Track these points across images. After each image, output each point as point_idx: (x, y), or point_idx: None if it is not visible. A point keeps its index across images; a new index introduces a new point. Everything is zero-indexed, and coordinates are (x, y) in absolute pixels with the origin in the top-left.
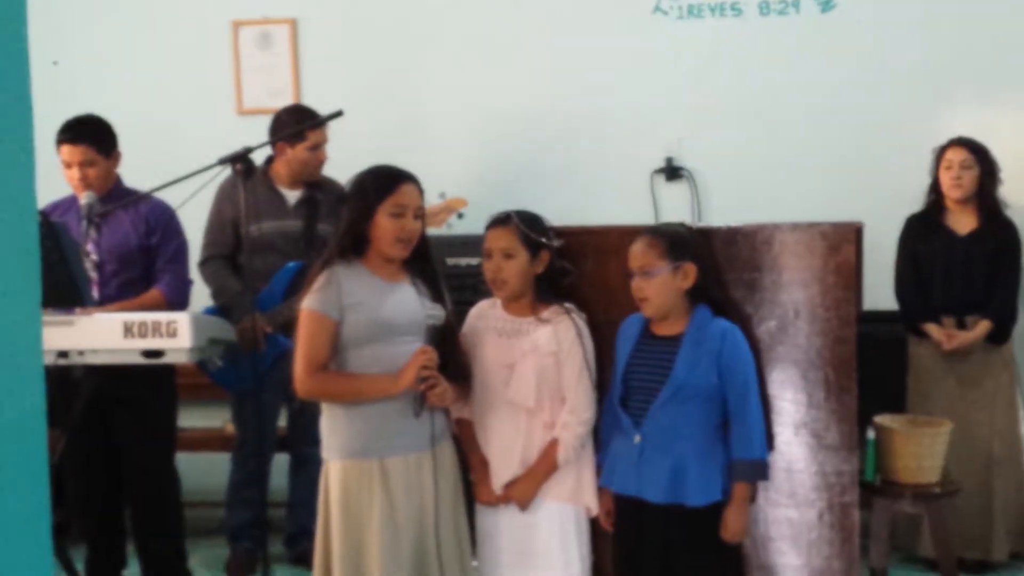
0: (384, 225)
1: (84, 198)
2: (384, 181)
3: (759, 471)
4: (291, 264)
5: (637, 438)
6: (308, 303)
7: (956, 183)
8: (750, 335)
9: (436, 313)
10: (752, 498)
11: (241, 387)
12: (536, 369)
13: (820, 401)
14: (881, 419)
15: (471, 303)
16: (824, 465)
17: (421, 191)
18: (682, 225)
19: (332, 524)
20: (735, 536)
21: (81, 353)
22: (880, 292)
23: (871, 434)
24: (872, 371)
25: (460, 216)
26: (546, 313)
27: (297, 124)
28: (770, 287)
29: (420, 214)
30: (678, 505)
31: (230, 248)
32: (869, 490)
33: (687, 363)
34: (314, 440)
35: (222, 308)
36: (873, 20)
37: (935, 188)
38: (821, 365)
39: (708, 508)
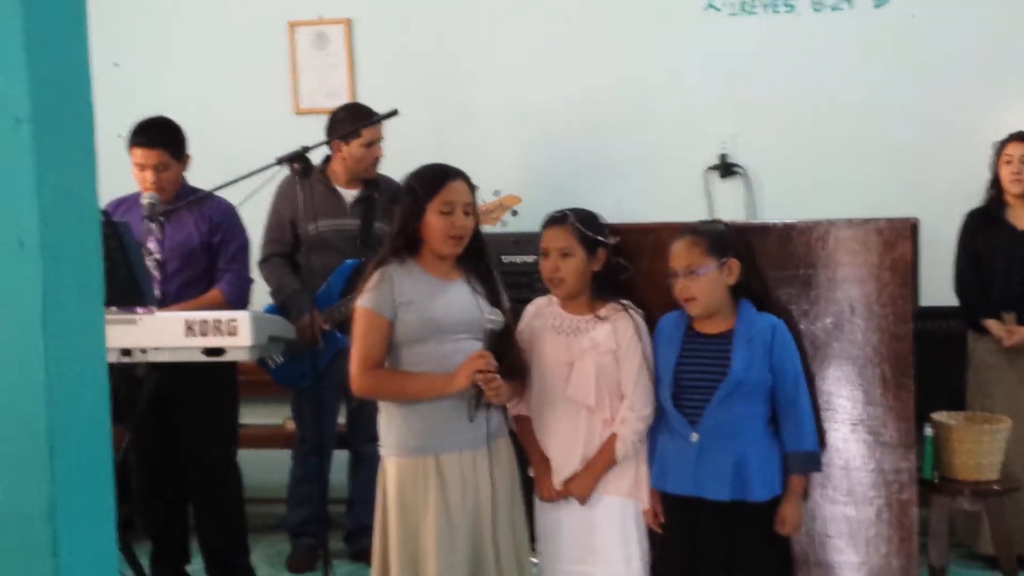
0: (434, 223)
1: (146, 198)
2: (431, 179)
3: (813, 463)
4: (348, 262)
5: (695, 437)
6: (362, 302)
7: (1017, 178)
8: (804, 331)
9: (495, 318)
10: (806, 492)
11: (300, 384)
12: (596, 366)
13: (877, 398)
14: (939, 416)
15: (526, 300)
16: (882, 462)
17: (471, 187)
18: (720, 221)
19: (389, 520)
20: (792, 529)
21: (144, 351)
22: (937, 288)
23: (929, 431)
24: (930, 368)
25: (514, 213)
26: (604, 310)
27: (353, 122)
28: (825, 283)
29: (470, 210)
30: (739, 502)
31: (289, 246)
32: (927, 487)
33: (744, 360)
34: (372, 437)
35: (281, 306)
36: (928, 14)
37: (995, 183)
38: (878, 362)
39: (766, 503)
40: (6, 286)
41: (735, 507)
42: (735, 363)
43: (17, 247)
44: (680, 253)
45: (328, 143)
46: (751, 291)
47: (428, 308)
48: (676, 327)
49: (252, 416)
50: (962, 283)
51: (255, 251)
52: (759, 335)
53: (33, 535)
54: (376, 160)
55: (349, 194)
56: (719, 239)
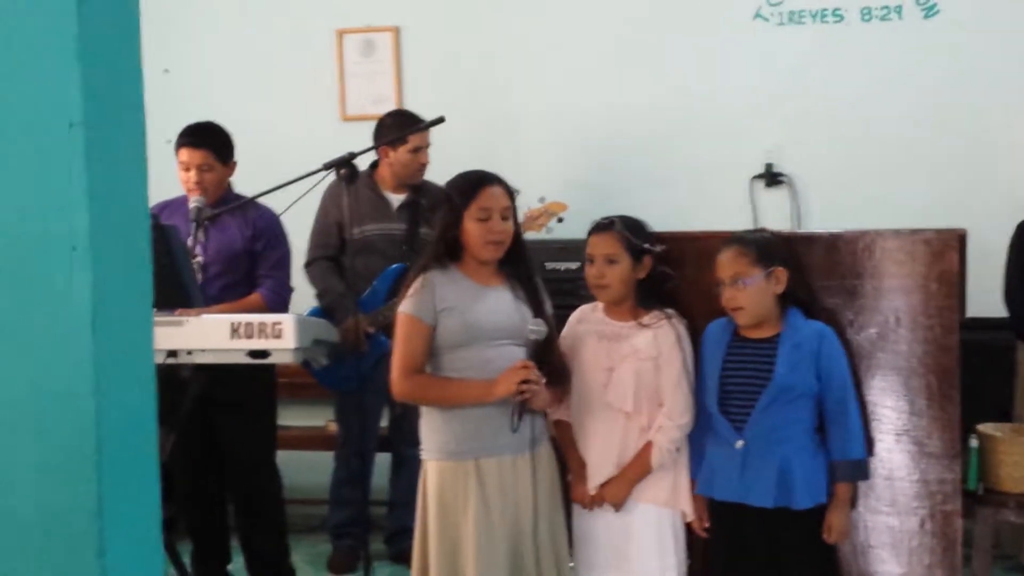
0: (472, 229)
1: (193, 201)
2: (467, 187)
3: (860, 471)
4: (394, 266)
5: (740, 443)
6: (404, 307)
7: None
8: (849, 341)
9: (539, 328)
10: (853, 500)
11: (344, 387)
12: (635, 373)
13: (922, 408)
14: (984, 427)
15: (570, 308)
16: (926, 473)
17: (509, 192)
18: (766, 230)
19: (429, 523)
20: (839, 538)
21: (189, 353)
22: (985, 299)
23: (974, 442)
24: (976, 379)
25: (560, 220)
26: (647, 318)
27: (400, 128)
28: (871, 294)
29: (508, 215)
30: (783, 509)
31: (335, 250)
32: (972, 499)
33: (787, 364)
34: (414, 440)
35: (327, 309)
36: (977, 25)
37: None
38: (923, 372)
39: (812, 511)
40: (57, 288)
41: (779, 514)
42: (779, 368)
43: (69, 250)
44: (727, 263)
45: (375, 149)
46: (799, 300)
47: (469, 313)
48: (723, 333)
49: (294, 418)
50: (1011, 294)
51: (301, 254)
52: (806, 341)
53: (80, 534)
54: (422, 166)
55: (396, 199)
56: (766, 248)
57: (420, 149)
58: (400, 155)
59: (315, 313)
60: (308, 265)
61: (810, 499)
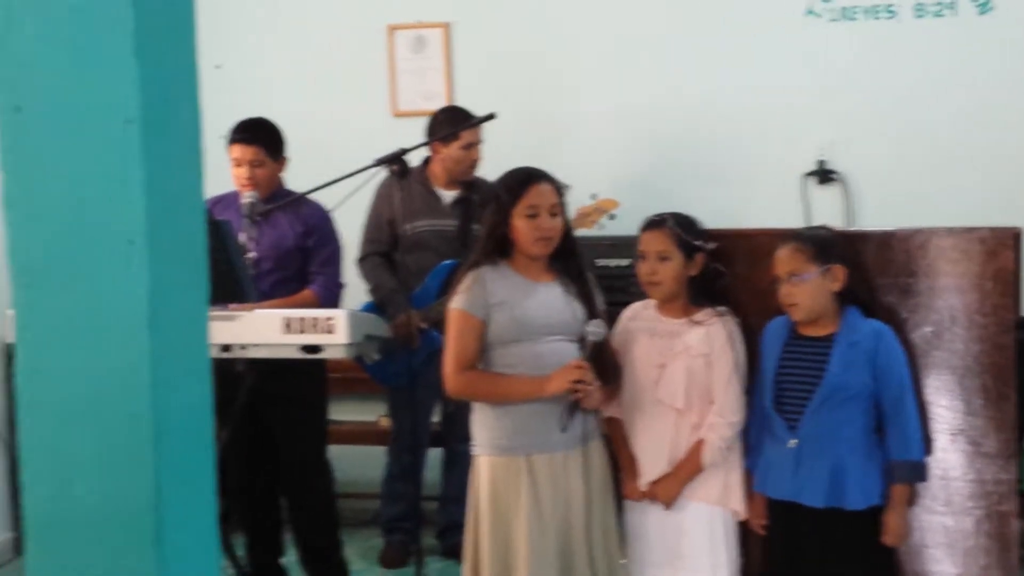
0: (521, 227)
1: (246, 197)
2: (515, 184)
3: (918, 472)
4: (446, 262)
5: (793, 442)
6: (455, 303)
7: None
8: (904, 340)
9: (598, 330)
10: (911, 501)
11: (396, 382)
12: (686, 370)
13: (978, 408)
14: None
15: (621, 304)
16: (982, 473)
17: (558, 188)
18: (826, 228)
19: (481, 518)
20: (897, 539)
21: (243, 347)
22: None
23: None
24: None
25: (612, 217)
26: (699, 315)
27: (452, 124)
28: (925, 292)
29: (557, 211)
30: (837, 509)
31: (387, 246)
32: None
33: (841, 363)
34: (466, 436)
35: (379, 304)
36: None
37: None
38: (979, 372)
39: (867, 511)
40: (114, 283)
41: (832, 514)
42: (832, 367)
43: (126, 245)
44: (784, 259)
45: (427, 144)
46: (858, 298)
47: (520, 309)
48: (781, 330)
49: (347, 413)
50: None
51: (353, 250)
52: (863, 340)
53: (138, 526)
54: (474, 162)
55: (448, 195)
56: (823, 245)
57: (472, 145)
58: (452, 151)
59: (367, 308)
60: (361, 261)
61: (863, 500)
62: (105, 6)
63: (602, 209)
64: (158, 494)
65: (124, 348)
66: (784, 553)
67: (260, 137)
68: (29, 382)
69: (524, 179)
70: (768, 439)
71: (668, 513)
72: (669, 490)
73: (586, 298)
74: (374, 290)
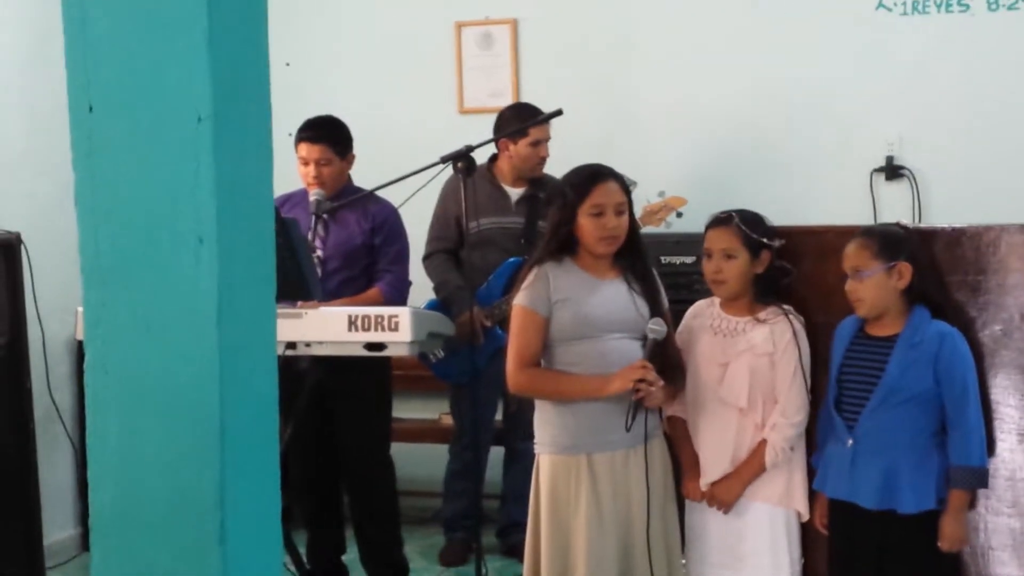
0: (586, 225)
1: (313, 195)
2: (580, 183)
3: (978, 479)
4: (512, 259)
5: (849, 442)
6: (519, 299)
7: None
8: (972, 338)
9: (659, 328)
10: (972, 505)
11: (459, 380)
12: (750, 369)
13: None
14: None
15: (686, 302)
16: None
17: (624, 187)
18: (897, 225)
19: (541, 517)
20: (953, 545)
21: (308, 345)
22: None
23: None
24: None
25: (679, 215)
26: (763, 313)
27: (520, 121)
28: (995, 290)
29: (624, 209)
30: (890, 512)
31: (454, 243)
32: None
33: (900, 365)
34: (528, 434)
35: (444, 301)
36: None
37: None
38: None
39: (923, 515)
40: (185, 280)
41: (887, 516)
42: (891, 368)
43: (196, 242)
44: (850, 254)
45: (495, 141)
46: (928, 297)
47: (584, 306)
48: (850, 329)
49: (408, 411)
50: None
51: (420, 247)
52: (926, 342)
53: (203, 522)
54: (542, 160)
55: (515, 192)
56: (890, 242)
57: (540, 142)
58: (520, 148)
59: (432, 306)
60: (426, 258)
61: (915, 504)
62: (178, 4)
63: (670, 207)
64: (223, 492)
65: (192, 346)
66: (841, 553)
67: (327, 135)
68: (98, 379)
69: (590, 177)
70: (831, 438)
71: (729, 514)
72: (730, 491)
73: (651, 296)
74: (439, 287)
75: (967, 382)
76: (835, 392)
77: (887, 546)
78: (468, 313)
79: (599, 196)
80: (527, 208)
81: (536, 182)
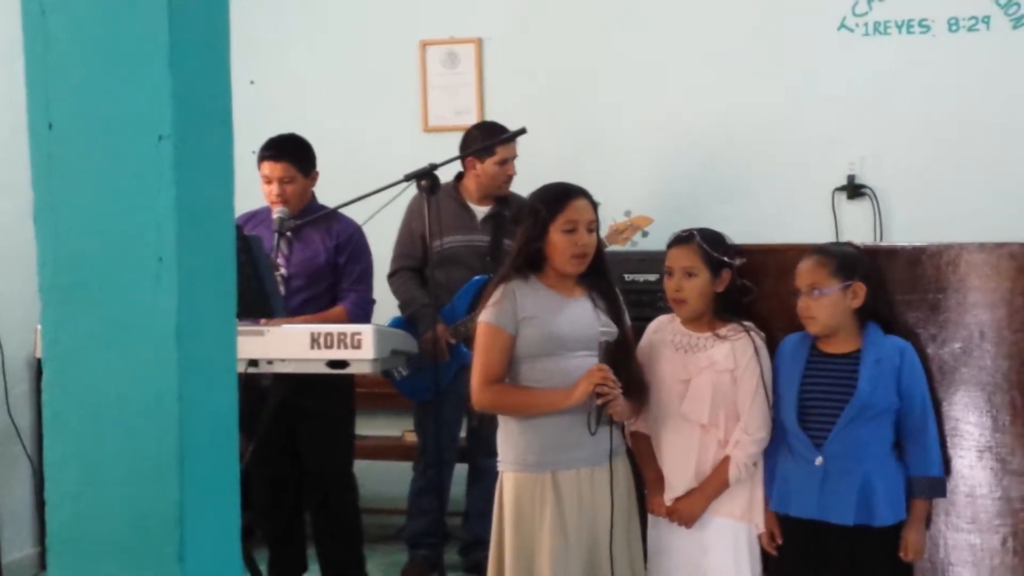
0: (558, 242)
1: (277, 212)
2: (555, 199)
3: (938, 488)
4: (477, 277)
5: (819, 460)
6: (485, 316)
7: None
8: (932, 356)
9: (609, 330)
10: (928, 518)
11: (423, 397)
12: (711, 385)
13: (1006, 425)
14: None
15: (649, 319)
16: (1009, 490)
17: (594, 205)
18: (850, 244)
19: (505, 535)
20: (916, 555)
21: (270, 362)
22: None
23: None
24: None
25: (645, 235)
26: (724, 330)
27: (486, 140)
28: (955, 308)
29: (593, 227)
30: (863, 526)
31: (419, 261)
32: None
33: (871, 381)
34: (492, 452)
35: (409, 319)
36: None
37: None
38: (1007, 388)
39: (891, 528)
40: (144, 299)
41: (860, 532)
42: (862, 384)
43: (156, 261)
44: (805, 272)
45: (462, 160)
46: (878, 315)
47: (550, 323)
48: (799, 347)
49: (372, 428)
50: None
51: (384, 264)
52: (887, 357)
53: (162, 541)
54: (509, 178)
55: (480, 210)
56: (846, 261)
57: (507, 161)
58: (487, 167)
59: (396, 323)
60: (392, 276)
61: (892, 515)
62: (140, 22)
63: (636, 226)
64: (183, 510)
65: (151, 364)
66: (805, 573)
67: (290, 153)
68: (56, 398)
69: (564, 194)
70: (787, 457)
71: (692, 529)
72: (694, 507)
73: (615, 314)
74: (404, 305)
75: (926, 394)
76: (796, 410)
77: (859, 562)
78: (433, 330)
79: (572, 213)
80: (493, 226)
81: (502, 200)
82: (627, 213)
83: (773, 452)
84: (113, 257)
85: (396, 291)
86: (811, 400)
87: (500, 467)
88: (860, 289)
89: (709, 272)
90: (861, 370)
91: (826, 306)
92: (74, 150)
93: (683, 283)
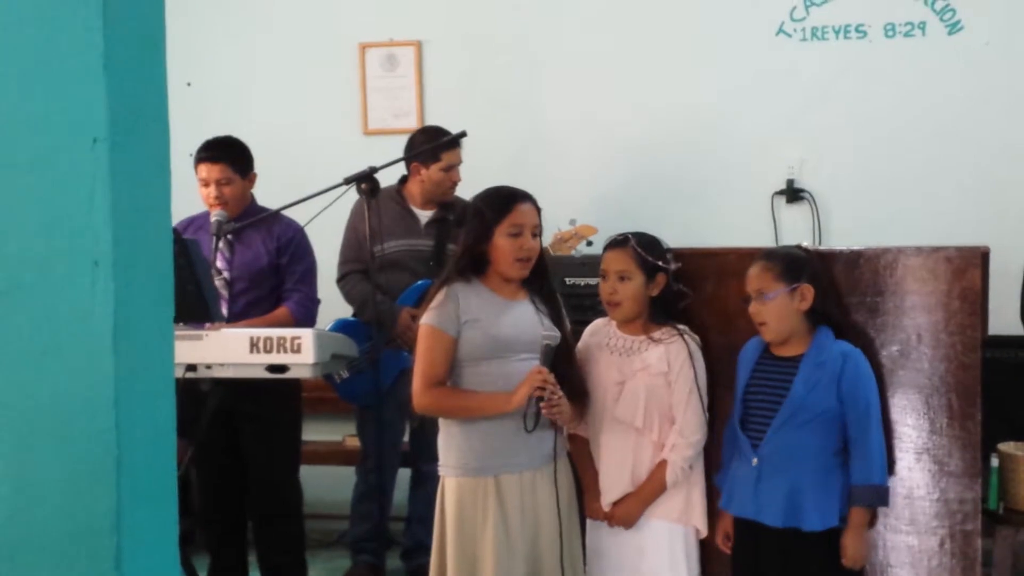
0: (502, 245)
1: (215, 215)
2: (500, 202)
3: (879, 497)
4: (419, 282)
5: (755, 460)
6: (427, 319)
7: None
8: (872, 358)
9: (552, 334)
10: (871, 523)
11: (364, 402)
12: (645, 388)
13: (943, 427)
14: (1005, 446)
15: (589, 323)
16: (946, 492)
17: (538, 209)
18: (798, 247)
19: (447, 539)
20: (855, 562)
21: (209, 367)
22: (1008, 316)
23: (995, 461)
24: (997, 397)
25: (589, 244)
26: (658, 333)
27: (430, 144)
28: (892, 311)
29: (537, 232)
30: (795, 529)
31: (366, 264)
32: (992, 518)
33: (806, 384)
34: (434, 456)
35: (368, 320)
36: (1001, 42)
37: None
38: (944, 391)
39: (827, 532)
40: (79, 303)
41: (792, 534)
42: (795, 387)
43: (91, 265)
44: (753, 277)
45: (406, 164)
46: (830, 318)
47: (493, 326)
48: (755, 350)
49: (313, 433)
50: None
51: (327, 267)
52: (830, 362)
53: (99, 547)
54: (454, 184)
55: (424, 215)
56: (792, 264)
57: (453, 167)
58: (432, 173)
59: (339, 326)
60: (341, 280)
61: (820, 522)
62: (73, 23)
63: (581, 235)
64: (119, 516)
65: (87, 369)
66: (746, 572)
67: (227, 155)
68: None
69: (509, 197)
70: (737, 457)
71: (629, 532)
72: (630, 511)
73: (556, 317)
74: (362, 307)
75: (869, 402)
76: (740, 411)
77: (791, 564)
78: (403, 316)
79: (518, 216)
80: (436, 231)
81: (446, 205)
82: (572, 222)
83: (730, 451)
84: (48, 261)
85: (348, 295)
86: (754, 402)
87: (441, 471)
88: (808, 291)
89: (643, 276)
90: (799, 373)
91: (774, 310)
92: (7, 153)
93: (617, 286)
